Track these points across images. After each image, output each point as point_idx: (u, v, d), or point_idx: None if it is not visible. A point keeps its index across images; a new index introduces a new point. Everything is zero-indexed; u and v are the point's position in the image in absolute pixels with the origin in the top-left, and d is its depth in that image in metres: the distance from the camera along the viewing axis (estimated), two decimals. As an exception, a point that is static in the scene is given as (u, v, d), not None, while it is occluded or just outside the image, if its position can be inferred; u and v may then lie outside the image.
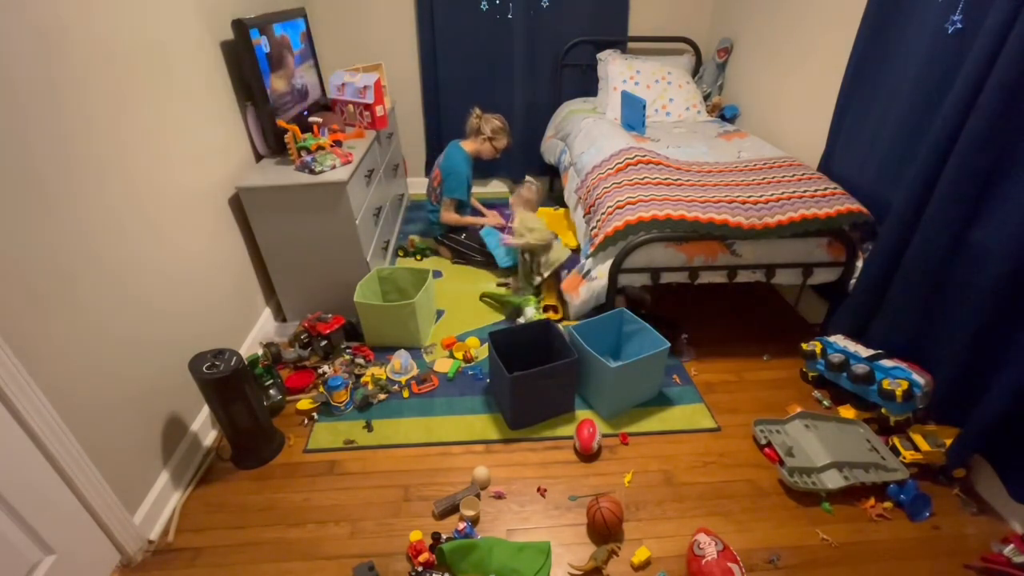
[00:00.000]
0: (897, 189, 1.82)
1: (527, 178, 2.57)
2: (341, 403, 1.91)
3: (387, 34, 3.26)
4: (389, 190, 2.95)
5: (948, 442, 1.60)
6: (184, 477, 1.66)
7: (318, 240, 2.16)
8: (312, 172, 2.07)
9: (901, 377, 1.69)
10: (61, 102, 1.28)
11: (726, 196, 2.01)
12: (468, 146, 2.82)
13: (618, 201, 2.02)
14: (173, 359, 1.64)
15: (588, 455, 1.74)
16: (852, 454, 1.65)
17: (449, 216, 2.80)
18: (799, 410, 1.83)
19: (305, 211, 2.09)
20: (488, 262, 2.76)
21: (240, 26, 1.96)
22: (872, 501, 1.58)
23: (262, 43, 2.07)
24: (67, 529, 1.27)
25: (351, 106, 2.54)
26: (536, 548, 1.44)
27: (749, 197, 2.00)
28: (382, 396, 1.98)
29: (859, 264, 1.97)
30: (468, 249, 2.83)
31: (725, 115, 3.15)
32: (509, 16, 3.20)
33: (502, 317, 2.43)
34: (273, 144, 2.22)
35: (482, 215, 2.95)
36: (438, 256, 2.96)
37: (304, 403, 1.92)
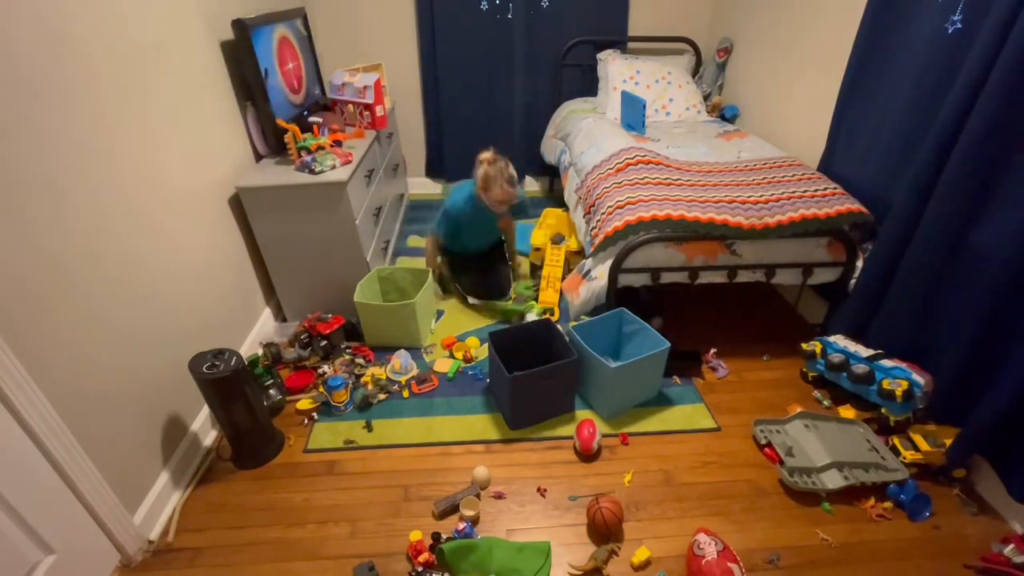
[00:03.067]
0: (897, 189, 1.83)
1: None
2: (341, 403, 1.91)
3: (387, 34, 3.26)
4: (389, 190, 2.95)
5: (948, 442, 1.59)
6: (184, 477, 1.66)
7: (318, 240, 2.16)
8: (312, 172, 2.07)
9: (901, 377, 1.69)
10: (62, 102, 1.28)
11: (726, 196, 2.01)
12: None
13: (618, 201, 2.02)
14: (173, 359, 1.64)
15: (588, 455, 1.74)
16: (852, 454, 1.65)
17: (428, 247, 2.54)
18: (799, 410, 1.83)
19: (305, 211, 2.09)
20: (462, 294, 2.54)
21: (240, 26, 1.96)
22: (872, 501, 1.58)
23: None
24: (67, 529, 1.27)
25: (351, 106, 2.54)
26: (536, 548, 1.44)
27: (749, 197, 1.99)
28: (382, 396, 1.98)
29: (859, 264, 1.97)
30: (449, 276, 2.62)
31: (725, 115, 3.15)
32: (509, 16, 3.20)
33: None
34: (273, 144, 2.22)
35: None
36: None
37: (304, 403, 1.92)
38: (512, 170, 2.23)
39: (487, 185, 2.20)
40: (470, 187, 2.33)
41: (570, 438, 1.81)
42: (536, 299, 2.40)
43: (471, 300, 2.48)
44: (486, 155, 2.23)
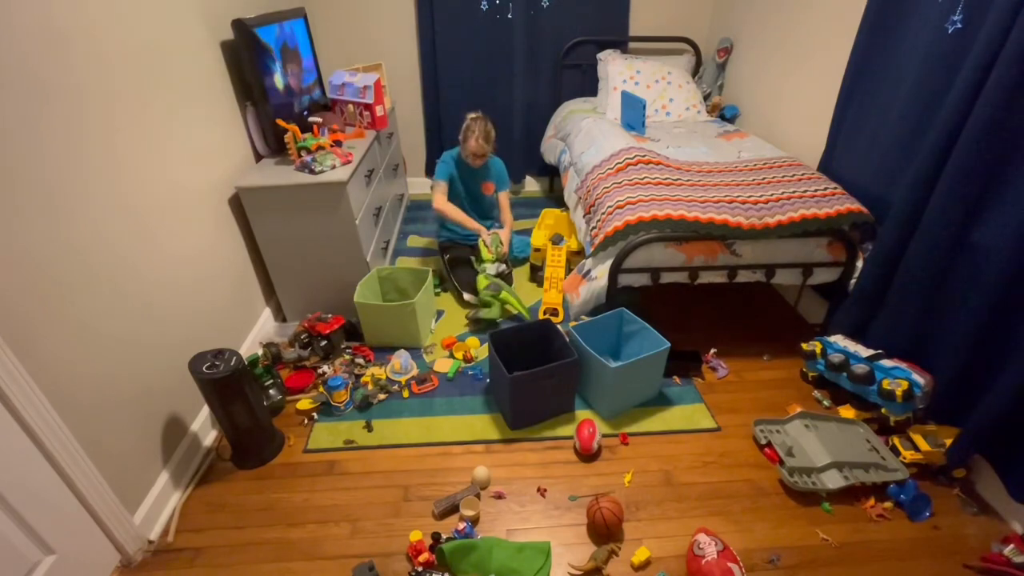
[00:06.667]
0: (897, 189, 1.82)
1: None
2: (341, 403, 1.91)
3: (387, 34, 3.26)
4: (389, 190, 2.95)
5: (948, 442, 1.60)
6: (184, 477, 1.66)
7: (318, 240, 2.16)
8: (312, 172, 2.07)
9: (901, 377, 1.69)
10: (60, 103, 1.28)
11: (726, 196, 2.01)
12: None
13: (618, 201, 2.02)
14: (173, 359, 1.64)
15: (588, 455, 1.74)
16: (852, 454, 1.65)
17: (436, 200, 2.59)
18: (799, 410, 1.83)
19: (305, 211, 2.09)
20: (458, 290, 2.55)
21: (240, 26, 1.96)
22: (872, 501, 1.58)
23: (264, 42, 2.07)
24: (67, 529, 1.27)
25: (351, 106, 2.54)
26: (536, 548, 1.44)
27: (749, 197, 1.99)
28: (382, 396, 1.98)
29: (859, 264, 1.97)
30: (446, 271, 2.64)
31: (725, 115, 3.15)
32: (509, 16, 3.20)
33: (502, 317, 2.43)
34: (273, 144, 2.22)
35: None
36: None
37: (304, 403, 1.92)
38: (491, 128, 2.50)
39: (465, 135, 2.48)
40: (452, 148, 2.67)
41: (570, 438, 1.81)
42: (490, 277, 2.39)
43: (466, 296, 2.48)
44: (473, 114, 2.52)
